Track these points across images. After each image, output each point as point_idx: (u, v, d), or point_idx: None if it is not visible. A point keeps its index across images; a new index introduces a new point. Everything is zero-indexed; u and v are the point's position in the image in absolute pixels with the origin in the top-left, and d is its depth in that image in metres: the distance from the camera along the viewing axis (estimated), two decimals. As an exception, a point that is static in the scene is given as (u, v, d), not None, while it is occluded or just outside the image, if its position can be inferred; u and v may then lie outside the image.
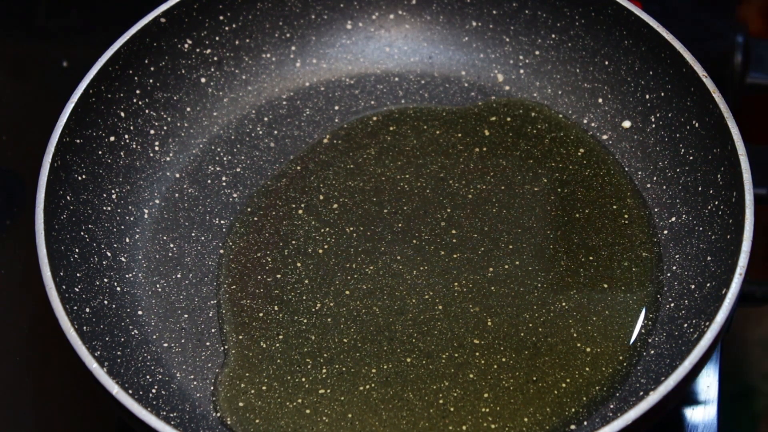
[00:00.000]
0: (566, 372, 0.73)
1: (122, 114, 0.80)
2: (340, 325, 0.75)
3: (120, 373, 0.70)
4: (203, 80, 0.84)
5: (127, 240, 0.78)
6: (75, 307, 0.71)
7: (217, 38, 0.84)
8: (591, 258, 0.77)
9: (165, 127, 0.82)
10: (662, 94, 0.79)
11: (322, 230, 0.79)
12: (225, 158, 0.83)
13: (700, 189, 0.76)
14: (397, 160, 0.83)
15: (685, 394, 0.76)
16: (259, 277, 0.77)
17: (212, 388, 0.73)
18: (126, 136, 0.80)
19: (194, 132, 0.83)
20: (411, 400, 0.72)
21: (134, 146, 0.81)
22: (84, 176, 0.77)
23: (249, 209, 0.81)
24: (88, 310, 0.72)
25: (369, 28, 0.87)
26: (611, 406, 0.71)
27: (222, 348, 0.75)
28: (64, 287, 0.71)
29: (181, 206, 0.81)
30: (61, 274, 0.71)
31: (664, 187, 0.79)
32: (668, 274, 0.76)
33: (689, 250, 0.75)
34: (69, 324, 0.68)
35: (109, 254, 0.76)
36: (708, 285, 0.72)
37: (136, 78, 0.81)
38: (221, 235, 0.79)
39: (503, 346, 0.74)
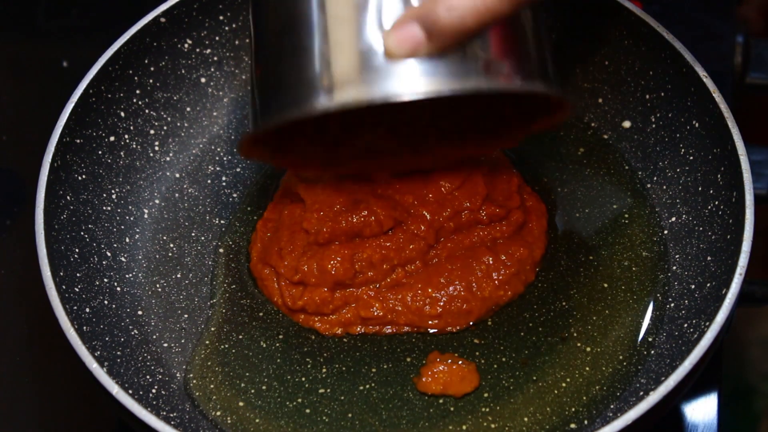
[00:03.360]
0: (566, 372, 0.72)
1: (122, 114, 0.80)
2: (340, 325, 0.75)
3: (120, 373, 0.70)
4: (203, 80, 0.84)
5: (127, 240, 0.78)
6: (75, 307, 0.71)
7: (217, 38, 0.84)
8: (591, 258, 0.77)
9: (165, 127, 0.82)
10: (662, 94, 0.79)
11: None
12: (225, 158, 0.83)
13: (700, 189, 0.76)
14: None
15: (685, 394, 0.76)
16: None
17: (212, 387, 0.73)
18: (126, 136, 0.80)
19: (194, 132, 0.83)
20: (411, 400, 0.72)
21: (134, 146, 0.81)
22: (84, 176, 0.77)
23: (249, 209, 0.81)
24: (88, 310, 0.72)
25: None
26: (611, 406, 0.71)
27: (222, 347, 0.75)
28: (64, 287, 0.71)
29: (181, 206, 0.81)
30: (61, 274, 0.71)
31: (664, 187, 0.79)
32: (668, 274, 0.76)
33: (689, 250, 0.75)
34: (69, 324, 0.68)
35: (109, 254, 0.76)
36: (708, 285, 0.72)
37: (136, 78, 0.81)
38: (221, 235, 0.79)
39: (503, 346, 0.74)
